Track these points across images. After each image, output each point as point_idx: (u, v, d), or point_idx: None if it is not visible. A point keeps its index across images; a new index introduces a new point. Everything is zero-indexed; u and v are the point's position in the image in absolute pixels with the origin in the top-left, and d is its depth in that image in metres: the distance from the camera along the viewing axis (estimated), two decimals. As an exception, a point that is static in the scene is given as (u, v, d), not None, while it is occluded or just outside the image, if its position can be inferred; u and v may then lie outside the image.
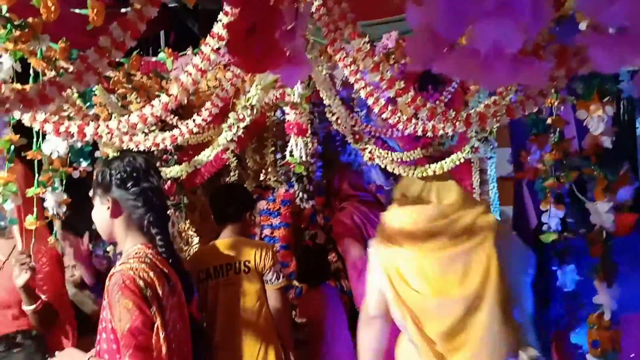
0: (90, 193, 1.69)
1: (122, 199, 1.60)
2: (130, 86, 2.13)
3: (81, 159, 2.17)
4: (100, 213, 1.63)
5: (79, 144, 2.11)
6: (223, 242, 2.43)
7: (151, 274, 1.54)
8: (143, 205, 1.61)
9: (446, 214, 1.65)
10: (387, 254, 1.71)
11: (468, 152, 1.80)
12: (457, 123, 1.28)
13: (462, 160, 1.86)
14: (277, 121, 3.11)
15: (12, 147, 1.58)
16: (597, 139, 1.53)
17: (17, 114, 1.29)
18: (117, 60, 1.96)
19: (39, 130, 1.73)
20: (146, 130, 1.99)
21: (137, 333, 1.47)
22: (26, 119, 1.29)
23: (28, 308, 2.06)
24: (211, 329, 2.32)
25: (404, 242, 1.68)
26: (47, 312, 2.13)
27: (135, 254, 1.58)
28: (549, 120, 1.89)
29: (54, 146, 1.98)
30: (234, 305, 2.31)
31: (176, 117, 2.48)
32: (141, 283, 1.51)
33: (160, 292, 1.54)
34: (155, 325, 1.51)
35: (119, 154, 1.82)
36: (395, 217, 1.74)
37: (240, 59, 0.70)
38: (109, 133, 1.23)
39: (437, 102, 2.36)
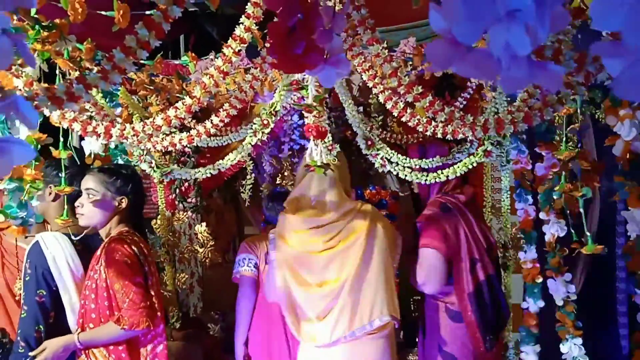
0: (93, 187, 1.98)
1: (130, 199, 2.03)
2: (152, 87, 2.17)
3: (117, 157, 2.25)
4: (106, 206, 2.00)
5: (113, 144, 2.19)
6: None
7: (141, 244, 2.00)
8: (138, 205, 2.12)
9: (326, 223, 2.08)
10: (284, 252, 2.12)
11: (480, 155, 1.80)
12: (476, 128, 1.28)
13: (474, 165, 1.85)
14: (294, 126, 3.13)
15: (38, 145, 1.63)
16: (628, 145, 1.51)
17: (46, 112, 1.32)
18: (140, 61, 2.02)
19: (65, 129, 1.80)
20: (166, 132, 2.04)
21: (136, 283, 1.89)
22: (55, 118, 1.32)
23: None
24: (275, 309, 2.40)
25: (296, 243, 2.10)
26: None
27: (127, 231, 2.00)
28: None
29: (92, 146, 2.08)
30: None
31: (194, 121, 2.52)
32: (135, 249, 1.95)
33: (148, 259, 2.00)
34: (148, 283, 1.95)
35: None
36: (289, 223, 2.14)
37: (280, 59, 0.72)
38: (134, 135, 1.27)
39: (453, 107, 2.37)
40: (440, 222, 2.16)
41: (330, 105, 2.87)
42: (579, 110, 1.80)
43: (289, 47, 0.71)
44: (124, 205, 2.02)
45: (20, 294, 2.29)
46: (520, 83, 0.49)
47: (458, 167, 1.85)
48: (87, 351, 1.93)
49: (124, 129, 1.26)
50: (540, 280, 2.23)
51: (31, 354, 1.89)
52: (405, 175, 1.84)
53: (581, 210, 1.77)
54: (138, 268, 1.94)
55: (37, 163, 1.60)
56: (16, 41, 0.65)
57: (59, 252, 1.98)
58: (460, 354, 2.13)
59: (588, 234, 1.81)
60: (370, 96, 2.90)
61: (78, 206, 1.99)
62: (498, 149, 1.85)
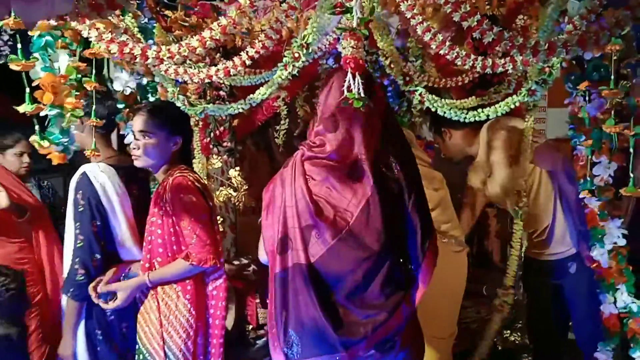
0: (148, 129, 1.94)
1: (184, 137, 2.02)
2: (187, 24, 2.14)
3: (148, 95, 2.25)
4: (164, 148, 1.97)
5: (145, 80, 2.17)
6: None
7: (202, 181, 2.02)
8: (189, 141, 2.13)
9: None
10: None
11: (524, 95, 1.71)
12: (522, 55, 1.22)
13: (517, 104, 1.77)
14: (329, 69, 3.07)
15: (78, 75, 1.64)
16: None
17: (85, 33, 1.33)
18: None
19: (100, 62, 1.81)
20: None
21: (203, 220, 1.90)
22: (93, 38, 1.32)
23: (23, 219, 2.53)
24: None
25: None
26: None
27: (185, 169, 2.00)
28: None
29: (124, 82, 2.08)
30: None
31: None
32: (199, 185, 1.97)
33: (210, 194, 2.03)
34: (212, 218, 1.96)
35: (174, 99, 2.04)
36: None
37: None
38: (170, 56, 1.26)
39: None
40: None
41: (367, 49, 2.80)
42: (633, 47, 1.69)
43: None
44: (179, 145, 2.00)
45: None
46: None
47: (499, 106, 1.77)
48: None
49: (160, 51, 1.25)
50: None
51: (104, 304, 1.95)
52: (444, 113, 1.77)
53: (631, 150, 1.69)
54: (204, 204, 1.95)
55: (78, 92, 1.61)
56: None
57: (107, 182, 2.01)
58: None
59: (631, 175, 1.74)
60: (409, 39, 2.81)
61: (134, 148, 1.96)
62: (543, 88, 1.76)
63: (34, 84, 1.59)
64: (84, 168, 2.02)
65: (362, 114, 1.47)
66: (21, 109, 1.50)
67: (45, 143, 1.58)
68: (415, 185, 1.56)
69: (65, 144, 1.61)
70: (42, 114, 1.58)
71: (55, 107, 1.55)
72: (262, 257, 1.60)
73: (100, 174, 2.01)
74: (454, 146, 2.83)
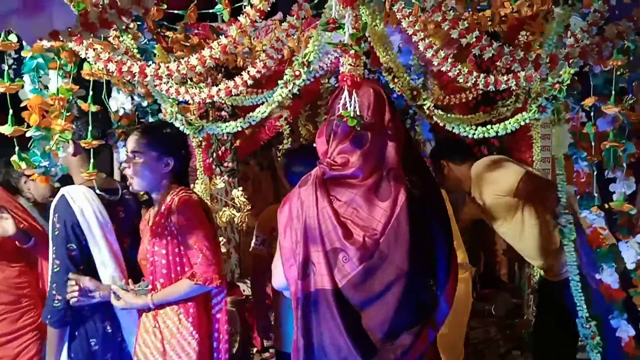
0: (139, 149, 1.91)
1: (178, 158, 1.96)
2: (188, 44, 2.15)
3: (148, 116, 2.22)
4: (155, 168, 1.93)
5: (145, 102, 2.15)
6: None
7: (205, 201, 2.02)
8: (185, 163, 2.06)
9: None
10: None
11: (534, 111, 1.67)
12: (524, 71, 1.20)
13: (527, 121, 1.74)
14: (331, 88, 3.07)
15: (71, 97, 1.62)
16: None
17: (82, 53, 1.32)
18: (175, 12, 1.99)
19: (94, 83, 1.80)
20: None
21: (209, 239, 1.88)
22: (91, 57, 1.31)
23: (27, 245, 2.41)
24: None
25: None
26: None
27: (188, 189, 1.98)
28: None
29: (120, 103, 2.06)
30: None
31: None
32: (203, 204, 1.99)
33: (213, 215, 2.08)
34: (216, 239, 1.97)
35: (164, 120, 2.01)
36: None
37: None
38: (168, 74, 1.25)
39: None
40: None
41: (368, 67, 2.80)
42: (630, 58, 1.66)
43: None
44: (170, 166, 1.94)
45: None
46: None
47: (509, 122, 1.74)
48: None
49: (159, 68, 1.24)
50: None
51: (115, 298, 1.92)
52: (453, 128, 1.74)
53: (624, 165, 1.66)
54: (208, 224, 1.94)
55: (67, 114, 1.59)
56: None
57: (86, 206, 1.93)
58: None
59: (623, 190, 1.70)
60: (411, 57, 2.81)
61: (126, 167, 1.92)
62: (553, 105, 1.72)
63: (22, 105, 1.56)
64: (63, 190, 1.94)
65: (390, 127, 1.43)
66: (1, 130, 1.48)
67: (23, 165, 1.54)
68: (439, 200, 1.50)
69: (47, 166, 1.56)
70: (27, 135, 1.54)
71: (41, 129, 1.53)
72: (278, 283, 1.52)
73: (79, 197, 1.93)
74: (449, 180, 2.82)
